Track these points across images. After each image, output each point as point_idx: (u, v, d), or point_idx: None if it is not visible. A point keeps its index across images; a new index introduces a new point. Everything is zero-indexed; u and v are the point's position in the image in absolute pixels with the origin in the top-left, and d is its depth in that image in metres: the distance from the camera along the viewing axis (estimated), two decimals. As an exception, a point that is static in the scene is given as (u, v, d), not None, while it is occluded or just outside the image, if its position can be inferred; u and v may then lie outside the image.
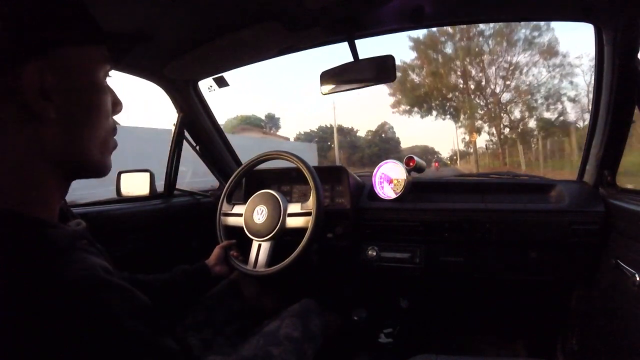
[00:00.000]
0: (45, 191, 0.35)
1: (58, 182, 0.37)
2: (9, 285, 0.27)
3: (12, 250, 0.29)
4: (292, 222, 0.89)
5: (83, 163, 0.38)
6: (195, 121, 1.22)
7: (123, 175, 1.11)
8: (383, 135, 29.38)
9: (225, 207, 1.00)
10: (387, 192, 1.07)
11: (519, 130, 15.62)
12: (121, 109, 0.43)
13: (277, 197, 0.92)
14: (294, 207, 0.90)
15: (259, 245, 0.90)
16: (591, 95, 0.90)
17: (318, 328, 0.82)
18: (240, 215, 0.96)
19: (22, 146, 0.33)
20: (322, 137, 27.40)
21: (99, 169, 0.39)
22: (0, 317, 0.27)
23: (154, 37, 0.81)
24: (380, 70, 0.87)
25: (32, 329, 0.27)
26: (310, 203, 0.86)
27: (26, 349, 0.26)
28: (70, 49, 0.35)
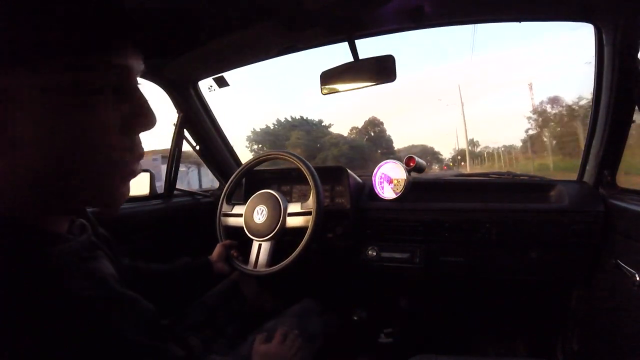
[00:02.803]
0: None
1: None
2: (12, 301, 0.27)
3: (14, 267, 0.28)
4: (292, 222, 0.89)
5: None
6: (195, 121, 1.22)
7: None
8: (372, 133, 24.77)
9: (225, 208, 1.00)
10: (387, 192, 1.07)
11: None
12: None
13: (277, 196, 0.92)
14: (294, 207, 0.90)
15: (259, 245, 0.90)
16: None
17: (317, 328, 0.83)
18: (240, 215, 0.96)
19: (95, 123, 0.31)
20: (277, 133, 21.63)
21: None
22: (3, 331, 0.26)
23: (154, 37, 0.81)
24: (380, 71, 0.87)
25: (36, 344, 0.26)
26: (311, 202, 0.86)
27: None
28: (123, 52, 0.33)
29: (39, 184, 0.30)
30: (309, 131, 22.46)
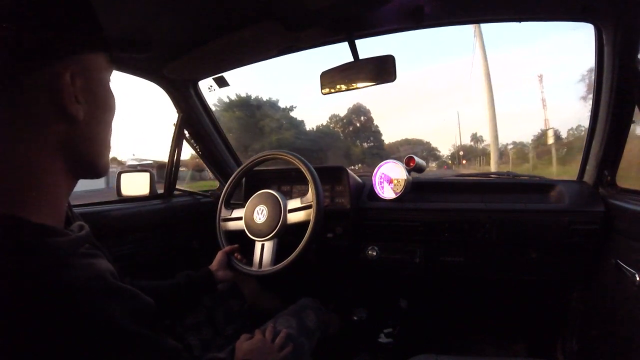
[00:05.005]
0: (52, 195, 0.35)
1: (66, 184, 0.37)
2: (11, 294, 0.27)
3: (14, 258, 0.29)
4: (294, 217, 0.89)
5: (94, 163, 0.39)
6: (195, 121, 1.22)
7: (123, 176, 1.11)
8: (357, 123, 19.48)
9: (224, 213, 1.00)
10: (387, 192, 1.07)
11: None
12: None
13: (276, 195, 0.92)
14: (293, 203, 0.90)
15: (262, 245, 0.90)
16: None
17: (314, 323, 0.83)
18: (240, 219, 0.96)
19: (47, 144, 0.34)
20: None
21: (103, 170, 0.41)
22: (3, 324, 0.27)
23: (154, 37, 0.81)
24: (380, 70, 0.87)
25: (36, 337, 0.27)
26: (310, 196, 0.86)
27: (30, 355, 0.27)
28: (89, 54, 0.37)
29: (68, 150, 0.36)
30: (252, 114, 16.68)
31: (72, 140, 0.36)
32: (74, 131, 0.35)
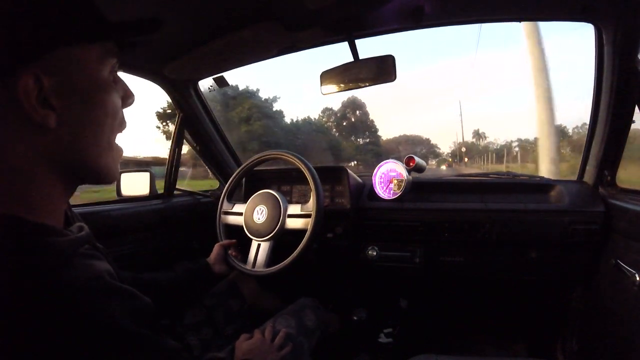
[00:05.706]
0: (50, 196, 0.35)
1: (64, 187, 0.36)
2: (11, 293, 0.27)
3: (14, 258, 0.29)
4: (292, 224, 0.89)
5: (93, 167, 0.37)
6: (195, 121, 1.22)
7: (123, 175, 1.11)
8: (352, 118, 18.14)
9: (226, 206, 1.00)
10: (387, 192, 1.07)
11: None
12: (132, 101, 0.41)
13: (277, 197, 0.92)
14: (293, 209, 0.90)
15: (258, 245, 0.90)
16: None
17: (313, 322, 0.83)
18: (240, 214, 0.96)
19: (26, 154, 0.32)
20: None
21: (105, 173, 0.38)
22: (3, 324, 0.27)
23: (154, 37, 0.81)
24: (380, 70, 0.87)
25: (36, 337, 0.27)
26: (310, 205, 0.86)
27: (29, 355, 0.27)
28: (66, 50, 0.33)
29: (61, 159, 0.34)
30: (226, 103, 14.98)
31: (56, 146, 0.33)
32: (53, 137, 0.32)
